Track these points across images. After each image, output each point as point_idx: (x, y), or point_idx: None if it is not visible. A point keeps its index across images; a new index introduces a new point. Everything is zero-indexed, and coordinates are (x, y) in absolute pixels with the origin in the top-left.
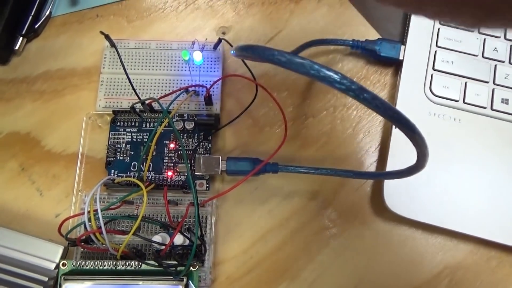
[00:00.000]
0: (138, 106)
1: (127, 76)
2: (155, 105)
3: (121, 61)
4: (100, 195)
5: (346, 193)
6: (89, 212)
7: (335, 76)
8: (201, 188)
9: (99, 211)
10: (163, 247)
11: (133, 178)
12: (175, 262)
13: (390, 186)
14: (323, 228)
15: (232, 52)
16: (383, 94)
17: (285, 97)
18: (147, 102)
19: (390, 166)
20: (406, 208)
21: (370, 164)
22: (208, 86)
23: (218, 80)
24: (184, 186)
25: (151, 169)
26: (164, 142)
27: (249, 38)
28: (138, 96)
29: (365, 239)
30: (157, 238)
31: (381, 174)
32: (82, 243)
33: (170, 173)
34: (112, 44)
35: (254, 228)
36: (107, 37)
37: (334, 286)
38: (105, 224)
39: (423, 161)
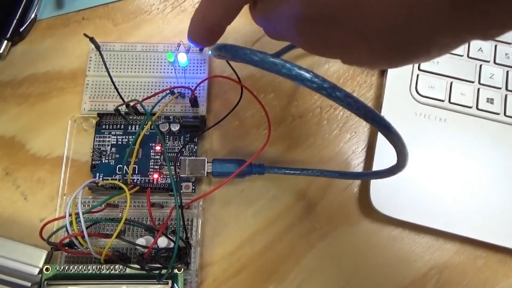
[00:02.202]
0: (123, 109)
1: (111, 78)
2: (140, 108)
3: (104, 63)
4: (85, 199)
5: (333, 194)
6: (70, 215)
7: (307, 75)
8: (187, 190)
9: (80, 214)
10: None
11: (118, 181)
12: (159, 265)
13: (376, 187)
14: (310, 229)
15: (210, 52)
16: (369, 95)
17: (272, 99)
18: (131, 104)
19: (377, 166)
20: (393, 208)
21: (357, 164)
22: (192, 88)
23: (202, 81)
24: (170, 188)
25: (136, 172)
26: (150, 144)
27: (235, 40)
28: (122, 98)
29: (352, 240)
30: (141, 241)
31: (365, 174)
32: (66, 247)
33: (155, 176)
34: (97, 47)
35: (241, 230)
36: (91, 39)
37: (322, 287)
38: (88, 227)
39: (402, 160)
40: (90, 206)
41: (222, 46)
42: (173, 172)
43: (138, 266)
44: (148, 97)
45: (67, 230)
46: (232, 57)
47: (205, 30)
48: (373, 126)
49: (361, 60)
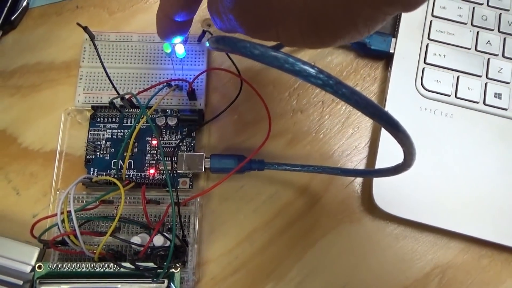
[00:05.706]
0: (118, 102)
1: (105, 70)
2: (136, 101)
3: (98, 54)
4: (79, 195)
5: (334, 190)
6: (62, 213)
7: (311, 70)
8: (185, 186)
9: (72, 212)
10: (142, 248)
11: (112, 176)
12: (153, 266)
13: (379, 184)
14: (311, 226)
15: (207, 44)
16: (373, 89)
17: (272, 92)
18: (126, 97)
19: (380, 163)
20: (396, 206)
21: (359, 160)
22: (190, 80)
23: (200, 74)
24: (167, 184)
25: (132, 167)
26: (146, 138)
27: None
28: (116, 91)
29: (354, 237)
30: (136, 239)
31: (368, 172)
32: (59, 246)
33: (152, 171)
34: (91, 37)
35: (239, 227)
36: (85, 29)
37: (322, 286)
38: (81, 225)
39: (409, 160)
40: (84, 202)
41: (220, 38)
42: (169, 168)
43: (132, 266)
44: (144, 90)
45: (59, 228)
46: (231, 50)
47: (171, 25)
48: (381, 125)
49: (296, 40)
